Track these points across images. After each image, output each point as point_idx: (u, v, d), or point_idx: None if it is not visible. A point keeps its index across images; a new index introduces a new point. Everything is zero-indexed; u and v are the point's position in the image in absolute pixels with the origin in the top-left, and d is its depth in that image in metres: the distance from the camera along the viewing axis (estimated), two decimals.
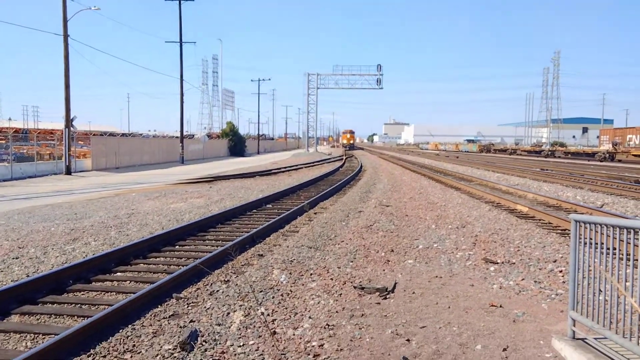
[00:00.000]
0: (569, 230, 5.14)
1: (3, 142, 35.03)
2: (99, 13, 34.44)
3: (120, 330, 5.48)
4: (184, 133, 49.83)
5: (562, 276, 7.70)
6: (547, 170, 34.64)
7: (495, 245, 10.03)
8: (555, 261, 8.62)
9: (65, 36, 30.70)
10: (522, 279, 7.66)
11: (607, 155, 56.03)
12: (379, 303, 6.60)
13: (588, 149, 73.77)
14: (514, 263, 8.63)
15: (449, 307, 6.42)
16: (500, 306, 6.44)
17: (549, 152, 72.33)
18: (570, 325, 4.99)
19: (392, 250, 9.65)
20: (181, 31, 45.91)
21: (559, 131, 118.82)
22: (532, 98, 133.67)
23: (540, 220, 13.20)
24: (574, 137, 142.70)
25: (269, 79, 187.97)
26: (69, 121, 31.23)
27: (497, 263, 8.63)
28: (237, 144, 70.51)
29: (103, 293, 6.98)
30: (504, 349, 5.08)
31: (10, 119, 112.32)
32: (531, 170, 33.52)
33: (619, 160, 53.80)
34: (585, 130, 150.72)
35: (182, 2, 45.10)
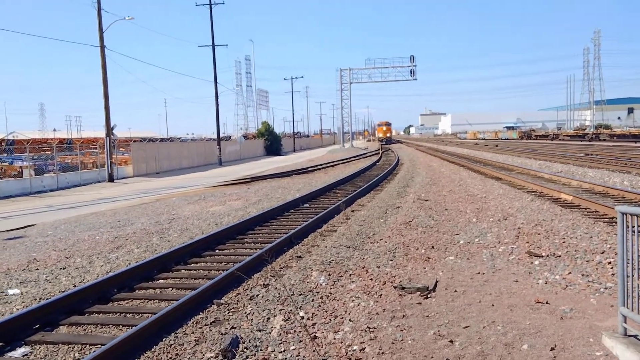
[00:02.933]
0: (617, 218, 4.92)
1: (48, 152, 36.30)
2: (132, 22, 35.16)
3: (164, 339, 5.56)
4: (221, 135, 50.52)
5: (611, 268, 7.39)
6: (591, 155, 33.51)
7: (539, 237, 9.73)
8: (603, 252, 8.29)
9: (102, 47, 31.52)
10: (569, 273, 7.40)
11: None
12: (420, 303, 6.50)
13: (635, 130, 71.03)
14: (560, 256, 8.35)
15: (493, 305, 6.26)
16: (547, 302, 6.24)
17: (593, 136, 69.98)
18: (620, 322, 4.78)
19: (432, 247, 9.50)
20: (213, 34, 46.55)
21: (602, 113, 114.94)
22: (573, 80, 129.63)
23: (586, 209, 12.76)
24: (619, 118, 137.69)
25: (302, 77, 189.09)
26: (109, 130, 32.10)
27: (542, 256, 8.36)
28: (273, 143, 71.09)
29: (146, 301, 7.11)
30: (552, 348, 4.91)
31: (54, 130, 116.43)
32: (575, 156, 32.49)
33: None
34: (630, 110, 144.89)
35: (212, 5, 45.68)
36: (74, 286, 7.78)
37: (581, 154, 35.19)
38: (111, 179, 31.38)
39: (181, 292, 7.35)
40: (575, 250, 8.55)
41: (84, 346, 5.57)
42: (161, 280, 8.09)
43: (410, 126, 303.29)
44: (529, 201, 14.27)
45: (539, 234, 10.03)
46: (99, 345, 5.39)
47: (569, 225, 10.54)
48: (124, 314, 6.53)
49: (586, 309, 5.98)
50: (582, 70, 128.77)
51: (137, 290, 7.63)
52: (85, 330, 6.12)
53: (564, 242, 9.19)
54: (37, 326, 6.14)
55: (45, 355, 5.47)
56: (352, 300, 6.67)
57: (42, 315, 6.27)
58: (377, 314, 6.16)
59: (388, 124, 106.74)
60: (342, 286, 7.32)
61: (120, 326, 6.10)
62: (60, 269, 9.08)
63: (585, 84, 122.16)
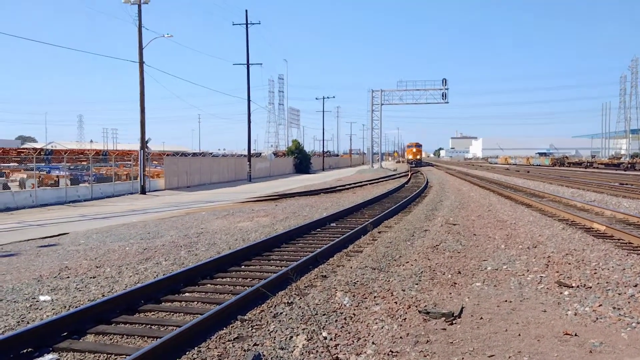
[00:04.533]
0: None
1: (85, 163, 37.27)
2: (171, 40, 36.10)
3: (187, 352, 5.62)
4: (251, 151, 51.08)
5: None
6: (626, 184, 32.64)
7: (570, 267, 9.51)
8: (636, 285, 8.05)
9: (141, 63, 32.42)
10: (600, 305, 7.21)
11: None
12: (444, 329, 6.42)
13: None
14: (591, 287, 8.14)
15: (519, 335, 6.14)
16: (575, 334, 6.09)
17: (629, 165, 68.19)
18: None
19: (459, 272, 9.38)
20: (248, 53, 47.38)
21: (639, 142, 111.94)
22: (609, 108, 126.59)
23: (619, 239, 12.42)
24: None
25: (334, 97, 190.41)
26: (143, 143, 32.84)
27: (572, 287, 8.17)
28: (302, 161, 71.46)
29: (172, 314, 7.20)
30: None
31: (91, 141, 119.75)
32: (609, 185, 31.70)
33: None
34: None
35: (249, 25, 46.60)
36: (103, 295, 7.95)
37: (615, 183, 34.32)
38: (143, 191, 32.00)
39: (206, 306, 7.43)
40: (607, 282, 8.33)
41: (109, 356, 5.67)
42: (187, 294, 8.19)
43: (440, 149, 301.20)
44: (560, 229, 13.98)
45: (569, 263, 9.80)
46: (124, 356, 5.48)
47: (601, 256, 10.27)
48: (149, 326, 6.63)
49: (617, 343, 5.81)
50: (618, 98, 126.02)
51: (163, 303, 7.74)
52: (111, 340, 6.23)
53: (595, 273, 8.96)
54: (65, 333, 6.28)
55: None
56: (376, 323, 6.63)
57: (71, 322, 6.42)
58: (401, 338, 6.10)
59: (419, 145, 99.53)
60: (366, 308, 7.29)
61: (146, 337, 6.19)
62: (91, 277, 9.28)
63: (621, 112, 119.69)
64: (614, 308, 7.06)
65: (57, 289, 8.46)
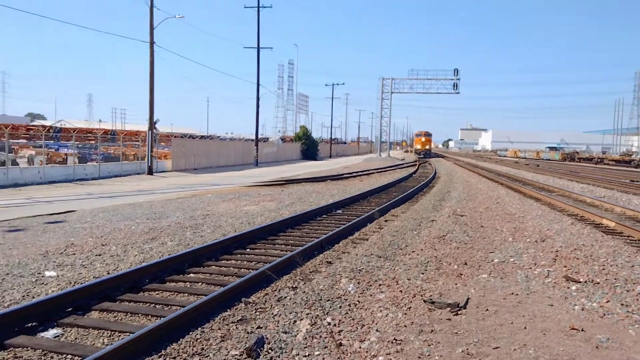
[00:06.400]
0: None
1: (93, 142, 37.37)
2: (181, 21, 35.91)
3: (190, 333, 5.61)
4: (259, 136, 51.00)
5: None
6: (637, 181, 32.33)
7: (578, 262, 9.42)
8: None
9: (152, 43, 32.31)
10: (607, 301, 7.13)
11: None
12: (449, 319, 6.37)
13: None
14: (599, 283, 8.05)
15: (525, 328, 6.08)
16: (582, 330, 6.02)
17: None
18: None
19: (466, 263, 9.31)
20: (259, 37, 47.17)
21: None
22: (621, 104, 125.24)
23: (628, 236, 12.30)
24: None
25: (343, 83, 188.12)
26: (152, 124, 32.83)
27: (580, 282, 8.08)
28: (309, 148, 71.34)
29: (176, 294, 7.20)
30: None
31: (100, 121, 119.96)
32: (619, 182, 31.40)
33: None
34: None
35: (260, 8, 46.27)
36: (108, 273, 7.95)
37: (626, 180, 33.99)
38: (150, 172, 32.06)
39: (211, 287, 7.42)
40: (615, 279, 8.24)
41: (113, 332, 5.67)
42: (192, 275, 8.18)
43: (449, 140, 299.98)
44: (568, 224, 13.85)
45: (577, 258, 9.70)
46: (128, 333, 5.47)
47: (610, 252, 10.16)
48: (153, 305, 6.63)
49: (624, 339, 5.74)
50: (632, 95, 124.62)
51: (168, 282, 7.74)
52: (115, 317, 6.23)
53: (603, 269, 8.86)
54: (70, 309, 6.29)
55: (76, 339, 5.60)
56: (380, 311, 6.59)
57: (76, 299, 6.43)
58: (405, 326, 6.06)
59: (428, 135, 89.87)
60: (371, 295, 7.25)
61: (150, 316, 6.19)
62: (96, 255, 9.29)
63: (634, 109, 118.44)
64: (622, 305, 6.98)
65: (63, 265, 8.48)
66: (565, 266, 9.10)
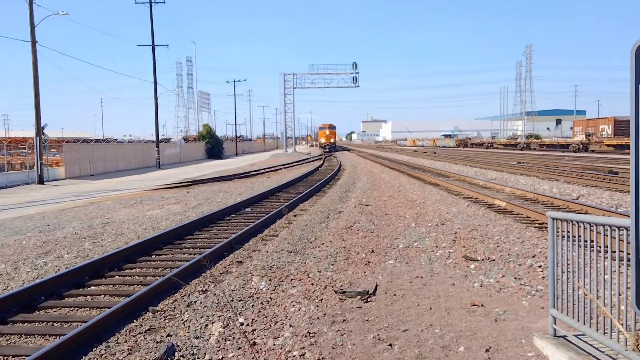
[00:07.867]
0: (547, 224, 5.13)
1: None
2: (67, 18, 33.72)
3: (94, 349, 5.29)
4: (160, 137, 49.20)
5: (542, 271, 7.71)
6: (523, 163, 35.04)
7: (475, 242, 10.04)
8: (534, 256, 8.64)
9: (33, 42, 30.01)
10: (502, 276, 7.66)
11: (581, 146, 57.01)
12: (360, 307, 6.52)
13: (562, 140, 74.93)
14: (494, 260, 8.63)
15: (431, 309, 6.37)
16: (482, 305, 6.42)
17: (525, 145, 73.31)
18: (551, 323, 4.96)
19: (373, 251, 9.59)
20: (153, 33, 45.40)
21: (533, 124, 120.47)
22: (506, 92, 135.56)
23: (518, 214, 13.29)
24: (548, 129, 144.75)
25: (245, 80, 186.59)
26: (39, 129, 30.57)
27: (477, 260, 8.62)
28: (214, 147, 69.96)
29: (76, 309, 6.76)
30: (487, 350, 5.04)
31: None
32: (508, 164, 33.87)
33: (593, 151, 54.81)
34: (558, 122, 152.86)
35: (152, 4, 44.54)
36: None
37: (514, 162, 36.74)
38: (41, 181, 29.85)
39: (114, 299, 7.04)
40: (509, 255, 8.87)
41: (5, 358, 5.21)
42: (93, 287, 7.73)
43: (352, 132, 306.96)
44: (465, 207, 14.71)
45: (474, 238, 10.33)
46: (23, 357, 5.06)
47: (503, 230, 10.93)
48: (51, 323, 6.17)
49: (519, 311, 6.19)
50: (515, 83, 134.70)
51: (66, 298, 7.24)
52: (7, 340, 5.73)
53: (498, 247, 9.51)
54: None
55: None
56: (293, 306, 6.61)
57: None
58: (318, 318, 6.12)
59: (332, 127, 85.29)
60: (283, 291, 7.25)
61: (47, 336, 5.75)
62: None
63: (517, 96, 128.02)
64: (515, 278, 7.53)
65: None
66: (464, 246, 9.65)
